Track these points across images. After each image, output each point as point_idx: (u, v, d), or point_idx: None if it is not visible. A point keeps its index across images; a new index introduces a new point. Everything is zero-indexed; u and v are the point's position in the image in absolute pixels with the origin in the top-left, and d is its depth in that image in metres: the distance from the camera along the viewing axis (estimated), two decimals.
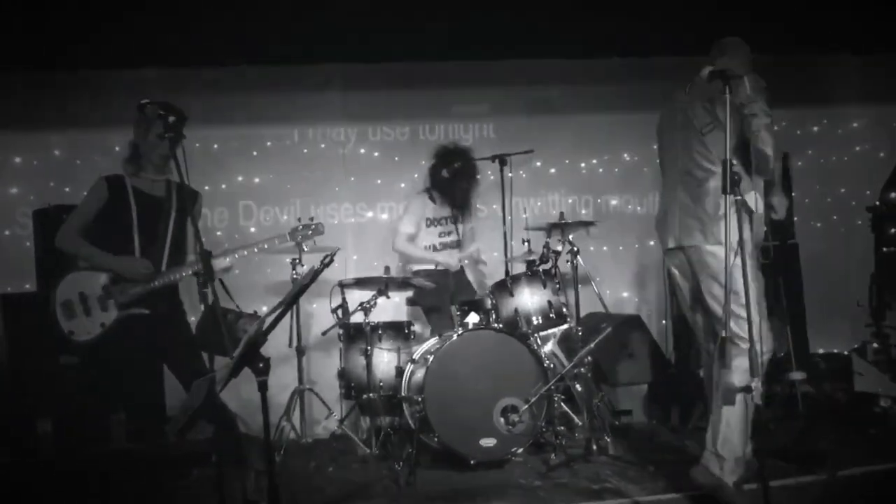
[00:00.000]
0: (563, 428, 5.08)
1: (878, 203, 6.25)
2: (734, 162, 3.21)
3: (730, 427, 3.67)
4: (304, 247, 4.77)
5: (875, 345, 5.38)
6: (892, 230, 6.84)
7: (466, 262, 5.83)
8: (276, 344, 5.45)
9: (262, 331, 2.47)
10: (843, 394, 5.61)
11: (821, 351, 6.61)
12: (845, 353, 6.14)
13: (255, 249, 4.20)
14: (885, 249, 6.17)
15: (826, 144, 7.12)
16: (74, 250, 4.01)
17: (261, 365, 2.52)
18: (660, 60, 6.37)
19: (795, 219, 6.43)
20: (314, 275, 2.59)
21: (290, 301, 2.50)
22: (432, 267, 5.64)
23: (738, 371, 3.49)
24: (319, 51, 6.13)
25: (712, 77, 3.25)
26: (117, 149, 4.19)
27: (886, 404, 5.13)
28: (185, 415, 2.67)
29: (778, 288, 5.58)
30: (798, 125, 7.01)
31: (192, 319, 4.33)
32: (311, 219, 4.41)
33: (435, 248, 5.65)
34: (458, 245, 5.72)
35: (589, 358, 5.16)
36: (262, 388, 2.54)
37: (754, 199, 3.74)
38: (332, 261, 2.56)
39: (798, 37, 6.27)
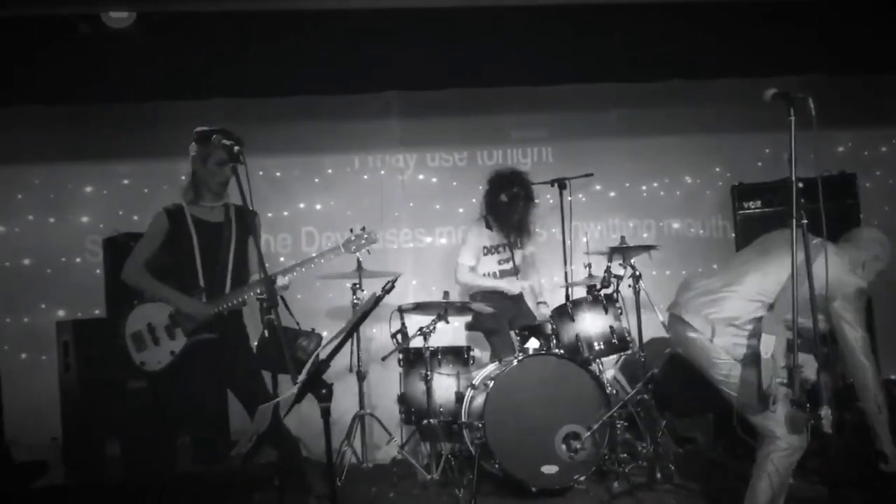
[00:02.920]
0: (626, 455, 5.00)
1: None
2: None
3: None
4: (360, 256, 4.81)
5: None
6: None
7: (527, 289, 5.80)
8: (337, 368, 5.53)
9: (325, 357, 2.49)
10: None
11: (893, 377, 6.38)
12: None
13: (312, 265, 4.22)
14: None
15: (895, 165, 6.92)
16: (139, 285, 4.11)
17: (324, 391, 2.55)
18: (719, 83, 6.31)
19: None
20: (376, 301, 2.61)
21: (352, 328, 2.52)
22: (491, 290, 5.62)
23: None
24: (378, 79, 6.22)
25: (775, 99, 3.14)
26: (183, 178, 4.29)
27: None
28: (249, 440, 2.70)
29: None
30: (866, 146, 6.84)
31: (254, 343, 4.40)
32: (363, 228, 4.42)
33: (495, 276, 5.64)
34: (516, 272, 5.69)
35: (651, 384, 5.07)
36: (325, 414, 2.56)
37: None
38: (393, 287, 2.58)
39: (864, 57, 6.14)
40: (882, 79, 6.60)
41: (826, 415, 3.12)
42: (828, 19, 5.72)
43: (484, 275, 5.63)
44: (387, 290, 2.59)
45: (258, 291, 3.91)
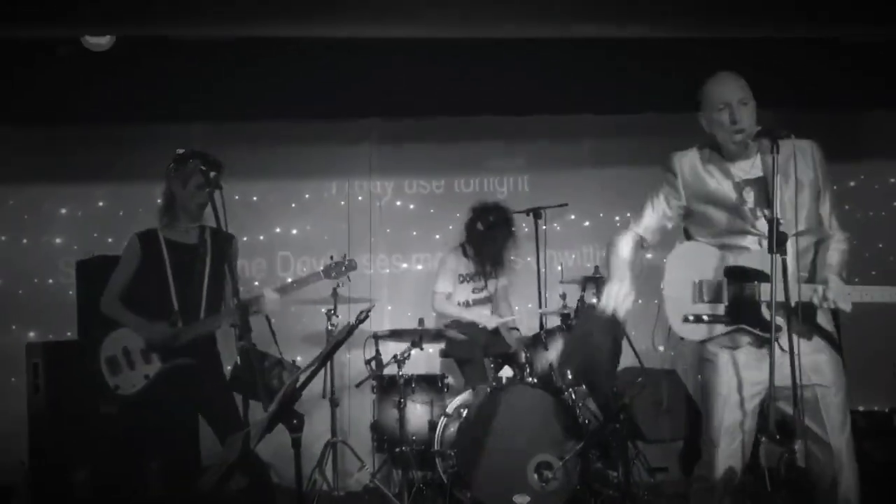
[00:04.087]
0: (598, 485, 5.02)
1: None
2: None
3: None
4: (339, 283, 4.82)
5: None
6: None
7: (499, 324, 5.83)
8: (310, 394, 5.51)
9: (297, 387, 2.50)
10: (884, 453, 5.47)
11: (861, 408, 6.46)
12: (885, 410, 6.00)
13: (292, 287, 4.23)
14: None
15: (863, 199, 7.05)
16: (113, 317, 4.11)
17: (295, 421, 2.55)
18: (691, 116, 6.39)
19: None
20: (349, 331, 2.63)
21: (325, 357, 2.53)
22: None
23: None
24: (357, 106, 6.25)
25: (759, 135, 3.09)
26: (159, 201, 4.27)
27: None
28: (219, 468, 2.70)
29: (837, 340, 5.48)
30: (834, 180, 6.93)
31: (229, 368, 4.39)
32: (344, 255, 4.44)
33: (467, 304, 5.67)
34: (489, 301, 5.73)
35: (623, 413, 5.10)
36: (296, 444, 2.56)
37: None
38: (367, 317, 2.60)
39: (834, 93, 6.28)
40: (852, 114, 6.75)
41: (800, 448, 3.10)
42: (800, 55, 5.89)
43: (458, 303, 5.66)
44: (360, 320, 2.61)
45: (233, 318, 3.91)
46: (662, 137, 6.64)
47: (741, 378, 3.08)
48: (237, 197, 6.31)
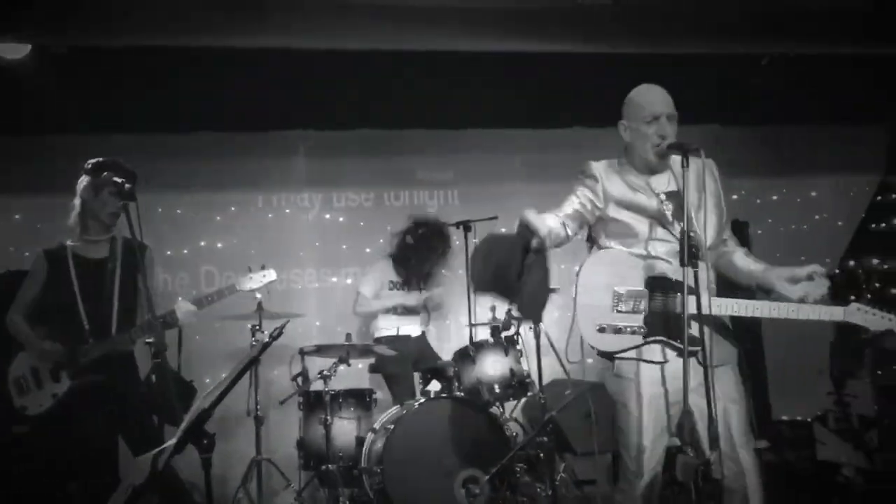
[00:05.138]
0: (525, 499, 5.00)
1: (837, 271, 6.34)
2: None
3: None
4: (258, 295, 4.71)
5: (836, 413, 5.39)
6: (853, 298, 6.94)
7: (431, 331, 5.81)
8: (235, 412, 5.39)
9: (207, 406, 2.41)
10: (806, 462, 5.59)
11: (784, 418, 6.60)
12: (808, 420, 6.13)
13: (208, 299, 4.11)
14: None
15: (786, 213, 7.23)
16: (16, 335, 3.99)
17: (205, 441, 2.46)
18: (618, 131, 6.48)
19: None
20: (263, 347, 2.55)
21: (238, 375, 2.45)
22: (394, 333, 5.60)
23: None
24: (285, 117, 6.17)
25: (671, 149, 3.13)
26: (72, 213, 4.11)
27: (849, 474, 5.12)
28: (124, 492, 2.59)
29: (739, 355, 5.58)
30: (758, 194, 7.13)
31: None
32: (263, 266, 4.34)
33: (396, 312, 5.63)
34: (418, 312, 5.70)
35: (550, 426, 5.10)
36: (206, 465, 2.47)
37: None
38: (280, 333, 2.52)
39: (759, 109, 6.43)
40: (776, 129, 6.92)
41: (715, 460, 3.10)
42: (726, 71, 6.01)
43: (387, 310, 5.62)
44: (274, 337, 2.53)
45: (146, 334, 3.80)
46: (591, 152, 6.70)
47: (654, 392, 3.05)
48: (160, 210, 6.19)
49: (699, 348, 2.92)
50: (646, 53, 5.60)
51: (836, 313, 3.04)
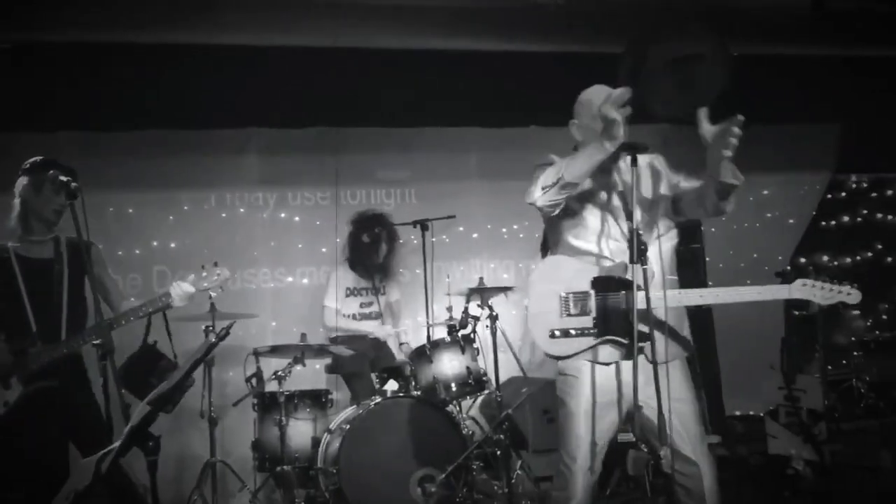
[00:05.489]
0: (482, 496, 5.01)
1: (788, 268, 6.45)
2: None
3: None
4: (212, 293, 4.63)
5: (786, 407, 5.48)
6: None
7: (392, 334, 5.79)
8: (189, 414, 5.32)
9: (152, 409, 2.37)
10: (759, 457, 5.67)
11: (737, 413, 6.70)
12: (761, 415, 6.23)
13: (160, 304, 3.99)
14: (795, 313, 6.36)
15: (738, 211, 7.27)
16: None
17: (150, 444, 2.42)
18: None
19: (710, 283, 6.55)
20: (209, 348, 2.52)
21: (183, 376, 2.42)
22: (354, 333, 5.58)
23: None
24: (238, 115, 6.09)
25: (622, 149, 3.10)
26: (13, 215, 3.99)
27: (799, 466, 5.21)
28: (66, 498, 2.54)
29: (692, 353, 5.64)
30: None
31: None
32: (216, 264, 4.23)
33: (355, 318, 5.61)
34: (379, 316, 5.69)
35: (506, 423, 5.12)
36: (152, 468, 2.43)
37: None
38: (227, 334, 2.49)
39: (709, 108, 6.49)
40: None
41: (666, 454, 3.11)
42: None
43: (345, 316, 5.59)
44: (221, 337, 2.49)
45: (92, 336, 3.71)
46: (546, 150, 6.75)
47: (599, 390, 3.05)
48: (111, 209, 6.08)
49: (646, 343, 2.95)
50: (599, 53, 5.64)
51: (781, 291, 3.02)
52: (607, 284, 3.06)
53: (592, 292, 3.06)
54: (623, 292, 3.03)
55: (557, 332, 3.04)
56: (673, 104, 3.01)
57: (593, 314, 3.04)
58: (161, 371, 4.44)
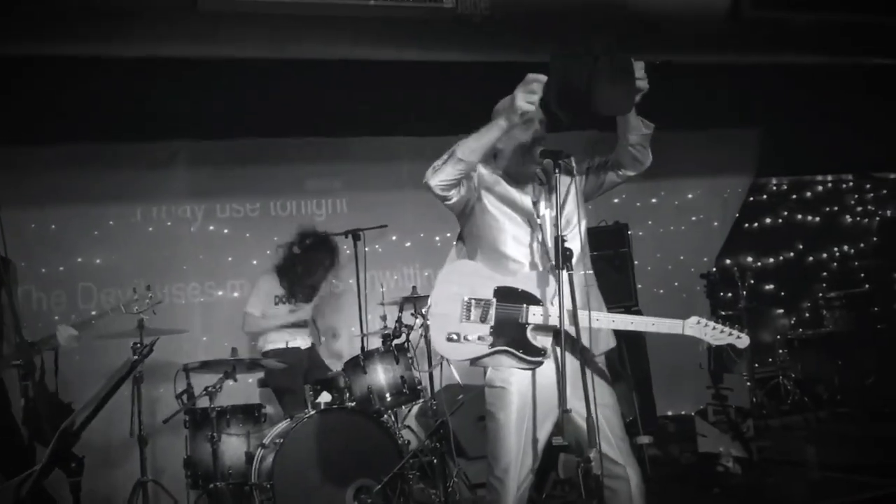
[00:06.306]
0: None
1: (713, 270, 6.61)
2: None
3: None
4: (144, 316, 4.57)
5: (715, 406, 5.61)
6: (730, 294, 7.28)
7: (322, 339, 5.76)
8: (120, 433, 5.19)
9: (74, 429, 2.31)
10: (690, 455, 5.79)
11: (669, 413, 6.83)
12: (691, 414, 6.36)
13: (93, 322, 3.95)
14: (722, 313, 6.53)
15: (664, 215, 7.51)
16: None
17: (73, 465, 2.35)
18: None
19: (639, 286, 6.67)
20: (131, 367, 2.46)
21: (105, 396, 2.36)
22: (283, 346, 5.52)
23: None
24: (164, 127, 5.99)
25: (543, 156, 3.14)
26: None
27: (728, 463, 5.34)
28: None
29: (622, 353, 5.75)
30: (637, 197, 7.38)
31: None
32: (148, 287, 4.19)
33: (284, 327, 5.55)
34: (306, 324, 5.65)
35: (442, 431, 5.12)
36: (75, 489, 2.37)
37: None
38: (150, 351, 2.44)
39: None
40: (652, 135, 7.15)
41: (595, 457, 3.13)
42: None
43: (276, 326, 5.54)
44: (144, 355, 2.45)
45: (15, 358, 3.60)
46: None
47: (524, 400, 3.04)
48: (33, 226, 5.92)
49: (541, 358, 2.99)
50: (524, 62, 5.70)
51: (675, 326, 3.05)
52: (510, 295, 3.06)
53: (495, 300, 3.05)
54: (524, 305, 3.03)
55: (454, 336, 3.03)
56: (590, 110, 3.02)
57: (492, 323, 3.03)
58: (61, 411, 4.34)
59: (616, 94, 3.08)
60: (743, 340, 3.08)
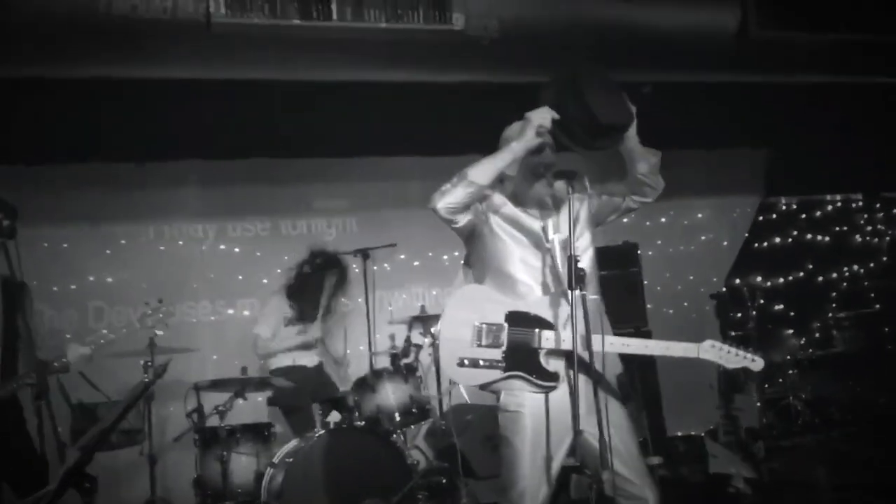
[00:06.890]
0: None
1: (723, 290, 6.60)
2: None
3: None
4: (157, 331, 4.59)
5: (725, 426, 5.58)
6: (739, 315, 7.27)
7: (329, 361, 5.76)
8: (130, 451, 5.20)
9: (88, 450, 2.32)
10: (700, 476, 5.75)
11: (679, 434, 6.79)
12: (701, 435, 6.33)
13: (102, 341, 3.95)
14: (732, 333, 6.51)
15: (674, 234, 7.51)
16: None
17: (87, 485, 2.37)
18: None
19: (649, 306, 6.67)
20: (144, 388, 2.49)
21: (118, 417, 2.38)
22: (290, 364, 5.53)
23: None
24: (177, 147, 6.05)
25: (556, 177, 3.13)
26: None
27: (739, 485, 5.30)
28: None
29: (633, 374, 5.73)
30: (647, 217, 7.38)
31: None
32: (160, 300, 4.20)
33: (292, 349, 5.56)
34: (314, 346, 5.65)
35: (452, 451, 5.11)
36: None
37: None
38: (164, 372, 2.46)
39: (645, 135, 6.64)
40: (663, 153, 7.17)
41: (608, 479, 3.02)
42: None
43: (286, 349, 5.54)
44: (158, 375, 2.46)
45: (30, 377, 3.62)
46: None
47: (538, 425, 3.00)
48: (45, 245, 5.96)
49: (555, 383, 2.98)
50: (533, 83, 5.73)
51: (690, 350, 3.03)
52: (521, 319, 3.04)
53: (507, 325, 3.03)
54: (536, 329, 3.02)
55: (466, 361, 3.00)
56: (589, 133, 3.04)
57: (504, 348, 3.01)
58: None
59: (611, 100, 3.11)
60: (757, 364, 3.07)
